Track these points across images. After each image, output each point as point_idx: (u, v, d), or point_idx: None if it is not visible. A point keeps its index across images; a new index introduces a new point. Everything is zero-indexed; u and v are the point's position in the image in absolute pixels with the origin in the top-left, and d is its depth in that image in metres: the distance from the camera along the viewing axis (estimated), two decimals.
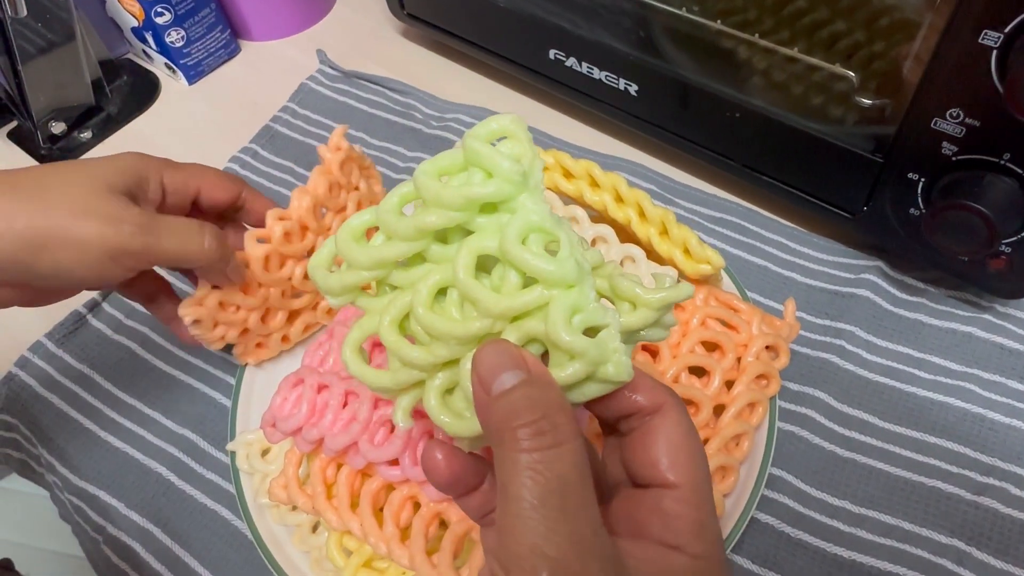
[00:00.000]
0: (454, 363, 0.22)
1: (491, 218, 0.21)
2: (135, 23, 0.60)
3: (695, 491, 0.21)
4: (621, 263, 0.37)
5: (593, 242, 0.37)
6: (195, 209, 0.36)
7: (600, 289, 0.22)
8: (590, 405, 0.22)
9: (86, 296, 0.48)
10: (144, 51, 0.64)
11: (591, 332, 0.21)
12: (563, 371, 0.20)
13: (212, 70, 0.64)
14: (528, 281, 0.21)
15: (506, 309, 0.20)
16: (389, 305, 0.22)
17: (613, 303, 0.22)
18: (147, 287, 0.36)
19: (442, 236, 0.22)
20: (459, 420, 0.22)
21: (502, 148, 0.22)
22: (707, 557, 0.20)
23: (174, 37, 0.60)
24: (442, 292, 0.22)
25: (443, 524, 0.31)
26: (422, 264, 0.23)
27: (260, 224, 0.37)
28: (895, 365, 0.40)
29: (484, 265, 0.22)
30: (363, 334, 0.23)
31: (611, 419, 0.23)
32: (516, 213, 0.21)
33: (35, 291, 0.31)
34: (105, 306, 0.48)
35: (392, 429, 0.31)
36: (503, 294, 0.21)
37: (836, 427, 0.39)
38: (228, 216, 0.38)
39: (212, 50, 0.63)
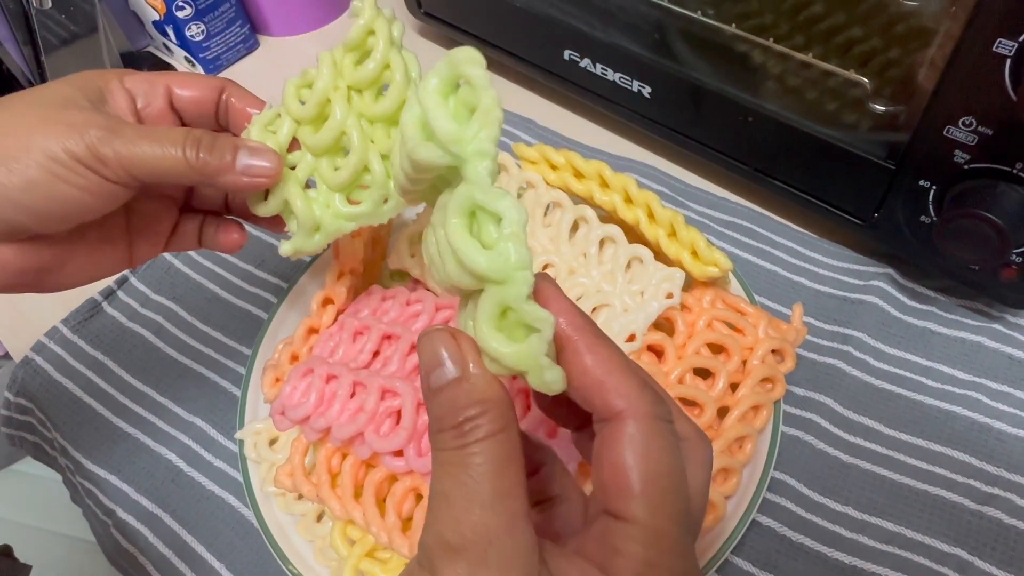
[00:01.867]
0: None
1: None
2: (156, 16, 0.61)
3: (646, 528, 0.18)
4: (628, 264, 0.37)
5: (601, 243, 0.38)
6: (181, 123, 0.32)
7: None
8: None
9: (102, 284, 0.49)
10: (164, 44, 0.65)
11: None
12: (491, 364, 0.19)
13: (231, 64, 0.65)
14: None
15: (457, 284, 0.19)
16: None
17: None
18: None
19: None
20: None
21: (461, 95, 0.19)
22: None
23: (194, 31, 0.61)
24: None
25: None
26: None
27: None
28: (902, 373, 0.40)
29: None
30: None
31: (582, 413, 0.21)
32: (463, 183, 0.19)
33: (40, 252, 0.28)
34: (120, 294, 0.49)
35: (398, 421, 0.32)
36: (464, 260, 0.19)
37: (841, 433, 0.38)
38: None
39: (231, 44, 0.64)
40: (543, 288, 0.20)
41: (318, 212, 0.31)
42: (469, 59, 0.18)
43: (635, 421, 0.19)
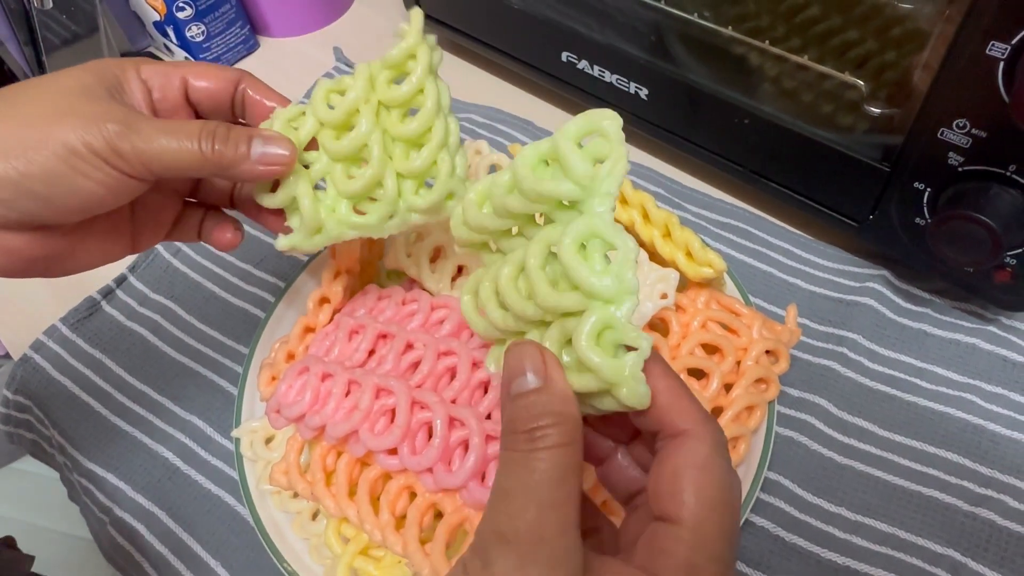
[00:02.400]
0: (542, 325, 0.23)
1: (571, 213, 0.22)
2: (157, 17, 0.61)
3: (695, 531, 0.19)
4: None
5: None
6: (196, 115, 0.32)
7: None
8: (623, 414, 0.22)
9: (101, 283, 0.49)
10: (165, 45, 0.65)
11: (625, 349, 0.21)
12: (578, 379, 0.21)
13: (231, 65, 0.65)
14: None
15: (552, 306, 0.21)
16: (491, 269, 0.25)
17: None
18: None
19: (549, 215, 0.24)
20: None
21: (591, 147, 0.22)
22: None
23: (195, 32, 0.61)
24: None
25: (438, 514, 0.31)
26: (519, 237, 0.25)
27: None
28: (897, 374, 0.40)
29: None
30: (475, 287, 0.26)
31: (645, 432, 0.23)
32: (583, 216, 0.21)
33: (51, 241, 0.28)
34: (119, 293, 0.49)
35: (392, 419, 0.32)
36: (557, 290, 0.21)
37: (835, 434, 0.39)
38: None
39: (231, 45, 0.64)
40: None
41: (323, 214, 0.31)
42: (609, 116, 0.21)
43: (699, 441, 0.20)
